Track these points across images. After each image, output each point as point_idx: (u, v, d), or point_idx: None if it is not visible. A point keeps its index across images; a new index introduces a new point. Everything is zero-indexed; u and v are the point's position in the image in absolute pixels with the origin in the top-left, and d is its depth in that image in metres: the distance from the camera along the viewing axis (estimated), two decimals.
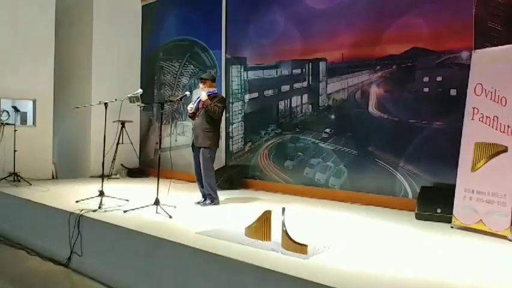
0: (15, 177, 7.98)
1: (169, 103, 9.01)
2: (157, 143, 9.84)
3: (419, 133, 5.91)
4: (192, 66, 9.33)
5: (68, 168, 9.98)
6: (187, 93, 6.09)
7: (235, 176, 7.90)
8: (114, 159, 9.10)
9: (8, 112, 8.46)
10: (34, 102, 9.12)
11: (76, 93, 9.92)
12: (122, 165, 9.81)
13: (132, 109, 9.18)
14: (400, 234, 4.69)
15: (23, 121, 9.10)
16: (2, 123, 8.22)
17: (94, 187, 6.29)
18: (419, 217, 5.31)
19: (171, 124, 9.68)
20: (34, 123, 9.12)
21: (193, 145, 6.15)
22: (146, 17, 10.51)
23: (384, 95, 6.32)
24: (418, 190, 5.73)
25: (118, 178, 9.37)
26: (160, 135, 5.78)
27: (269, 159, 7.70)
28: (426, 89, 5.87)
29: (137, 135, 10.34)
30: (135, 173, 9.78)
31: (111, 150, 8.37)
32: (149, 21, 10.42)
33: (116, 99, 6.17)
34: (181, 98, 6.04)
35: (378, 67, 6.37)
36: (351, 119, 6.65)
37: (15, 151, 7.99)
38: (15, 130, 8.08)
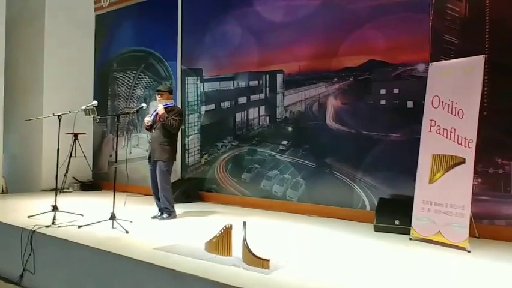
0: None
1: (124, 115, 8.75)
2: (110, 155, 9.67)
3: (376, 145, 5.91)
4: (146, 77, 9.15)
5: (18, 182, 9.61)
6: (144, 105, 5.94)
7: (191, 189, 7.76)
8: (66, 172, 8.86)
9: None
10: None
11: (27, 105, 9.54)
12: (74, 178, 9.57)
13: (84, 121, 8.97)
14: (360, 246, 4.64)
15: None
16: None
17: (46, 201, 6.10)
18: (377, 229, 5.29)
19: (125, 136, 9.44)
20: None
21: (149, 158, 6.01)
22: (100, 26, 10.27)
23: (341, 107, 6.32)
24: (376, 202, 5.73)
25: (71, 192, 9.18)
26: (116, 147, 5.61)
27: (226, 171, 7.60)
28: (383, 101, 5.90)
29: (90, 147, 10.06)
30: (88, 186, 9.53)
31: (64, 163, 8.20)
32: (103, 31, 10.18)
33: (70, 111, 6.01)
34: (137, 110, 5.90)
35: (335, 79, 6.37)
36: (308, 131, 6.62)
37: None
38: None
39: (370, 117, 6.00)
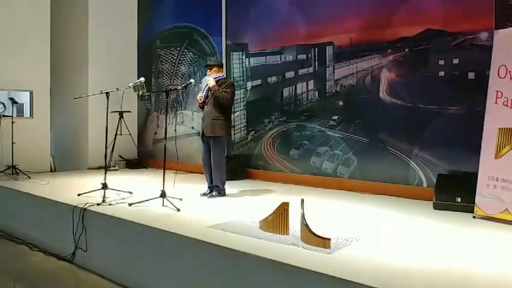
0: (13, 170, 7.78)
1: (172, 91, 8.72)
2: (155, 133, 9.68)
3: (434, 119, 5.66)
4: (191, 53, 9.05)
5: (66, 160, 9.75)
6: (192, 80, 5.80)
7: (238, 166, 7.68)
8: (112, 150, 8.64)
9: (3, 104, 8.19)
10: (31, 93, 8.87)
11: (72, 84, 9.63)
12: (120, 156, 9.62)
13: (129, 100, 8.99)
14: (419, 225, 4.45)
15: (20, 113, 8.89)
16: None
17: (93, 179, 6.12)
18: (437, 207, 5.07)
19: (171, 114, 9.43)
20: (31, 115, 8.89)
21: (202, 135, 5.88)
22: (143, 3, 10.21)
23: (396, 80, 6.07)
24: (433, 178, 5.51)
25: (117, 170, 9.21)
26: (166, 124, 5.47)
27: (273, 148, 7.49)
28: (441, 73, 5.61)
29: (135, 125, 10.11)
30: (134, 164, 9.56)
31: (110, 142, 8.08)
32: (146, 8, 10.12)
33: (118, 89, 5.92)
34: (185, 86, 5.74)
35: (389, 51, 6.12)
36: (360, 105, 6.42)
37: (13, 143, 7.77)
38: (12, 122, 7.87)
39: (427, 90, 5.73)
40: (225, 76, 6.03)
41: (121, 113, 8.80)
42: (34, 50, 8.81)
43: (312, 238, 3.55)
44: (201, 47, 8.82)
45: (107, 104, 5.77)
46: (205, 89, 5.89)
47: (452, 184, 5.10)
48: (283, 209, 3.95)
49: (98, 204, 5.05)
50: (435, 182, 5.35)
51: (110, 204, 5.14)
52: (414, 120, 5.84)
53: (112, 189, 5.69)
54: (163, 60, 9.68)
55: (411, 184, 5.85)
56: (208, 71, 5.94)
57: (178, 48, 9.32)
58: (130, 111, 9.15)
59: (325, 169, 6.79)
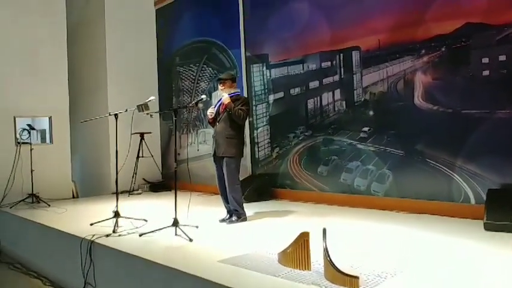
0: (33, 199, 7.63)
1: (184, 109, 8.57)
2: (178, 153, 9.39)
3: (479, 125, 5.02)
4: (210, 69, 8.81)
5: (89, 185, 9.63)
6: (203, 96, 5.46)
7: (263, 186, 7.34)
8: (135, 173, 8.88)
9: (28, 130, 8.06)
10: (50, 119, 8.77)
11: (92, 106, 9.48)
12: (144, 179, 9.43)
13: (151, 120, 8.85)
14: (469, 251, 3.77)
15: (43, 139, 8.86)
16: (19, 143, 7.90)
17: (114, 206, 5.88)
18: (489, 227, 4.34)
19: (192, 133, 9.18)
20: (51, 140, 8.79)
21: (214, 155, 5.56)
22: (160, 21, 10.05)
23: (432, 83, 5.50)
24: (482, 194, 4.88)
25: (140, 193, 9.00)
26: (175, 145, 5.18)
27: (300, 165, 7.10)
28: (486, 72, 4.97)
29: (157, 147, 9.92)
30: (158, 187, 9.28)
31: (130, 164, 8.17)
32: (164, 26, 9.96)
33: (127, 110, 5.69)
34: (196, 103, 5.36)
35: (423, 51, 5.58)
36: (393, 114, 5.94)
37: (32, 171, 7.62)
38: (31, 149, 7.73)
39: (470, 93, 5.12)
40: (239, 92, 5.70)
41: (141, 135, 8.91)
42: (51, 73, 8.73)
43: (338, 276, 3.00)
44: (220, 61, 8.56)
45: (116, 126, 5.58)
46: (217, 105, 5.59)
47: (507, 200, 4.38)
48: (303, 240, 3.37)
49: (107, 236, 4.79)
50: (485, 198, 4.70)
51: (120, 235, 4.86)
52: (456, 127, 5.24)
53: (126, 217, 5.46)
54: (183, 78, 9.49)
55: (456, 201, 5.21)
56: (221, 85, 5.60)
57: (197, 64, 9.12)
58: (150, 132, 9.15)
59: (357, 186, 6.32)
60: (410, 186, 5.72)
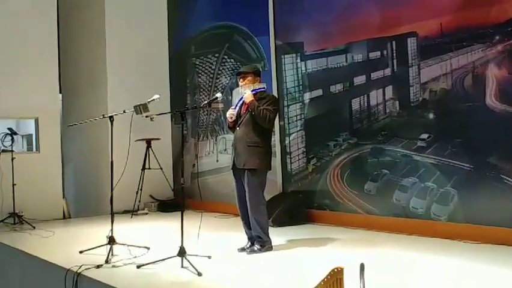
0: (15, 219, 7.80)
1: (196, 110, 8.72)
2: (194, 165, 9.52)
3: None
4: (232, 60, 8.95)
5: (84, 203, 9.82)
6: (218, 95, 5.57)
7: (296, 207, 7.41)
8: (140, 189, 8.92)
9: (11, 135, 8.29)
10: (36, 121, 8.96)
11: (89, 106, 9.66)
12: (151, 196, 9.58)
13: (160, 123, 8.99)
14: None
15: (29, 146, 9.05)
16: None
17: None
18: None
19: (210, 139, 9.35)
20: (38, 148, 8.95)
21: (234, 167, 5.62)
22: (173, 4, 10.28)
23: (509, 79, 5.51)
24: None
25: (146, 214, 9.16)
26: (182, 156, 5.27)
27: (342, 181, 7.17)
28: None
29: (169, 156, 10.04)
30: (168, 206, 9.39)
31: (134, 178, 8.31)
32: (176, 8, 10.19)
33: (124, 111, 5.81)
34: (209, 103, 5.57)
35: (497, 38, 5.57)
36: (459, 118, 5.96)
37: (14, 185, 7.80)
38: (13, 158, 7.89)
39: None
40: (264, 88, 5.75)
41: (148, 141, 8.97)
42: (39, 66, 8.87)
43: None
44: (244, 51, 8.71)
45: (111, 130, 5.82)
46: (238, 105, 5.68)
47: None
48: (335, 279, 3.30)
49: (97, 267, 4.86)
50: None
51: (114, 266, 4.95)
52: None
53: (123, 244, 5.52)
54: (200, 71, 9.68)
55: None
56: (241, 81, 5.68)
57: (217, 55, 9.29)
58: (159, 139, 9.22)
59: (413, 208, 6.33)
60: (481, 209, 5.71)
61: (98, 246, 5.46)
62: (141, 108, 5.50)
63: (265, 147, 5.56)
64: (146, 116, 5.52)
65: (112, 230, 5.48)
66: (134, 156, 7.79)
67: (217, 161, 9.13)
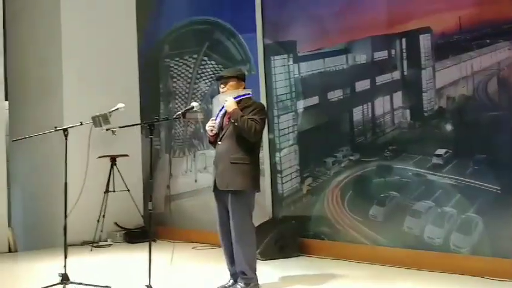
0: None
1: (167, 121, 8.48)
2: (168, 186, 9.54)
3: None
4: (212, 62, 8.92)
5: (35, 233, 9.69)
6: (194, 104, 5.63)
7: (288, 236, 7.36)
8: (103, 215, 8.88)
9: None
10: None
11: (42, 117, 9.55)
12: (116, 224, 9.50)
13: (129, 137, 9.01)
14: None
15: None
16: None
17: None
18: None
19: (187, 156, 9.32)
20: None
21: (215, 188, 5.54)
22: None
23: None
24: None
25: (110, 245, 9.05)
26: (151, 174, 5.07)
27: (343, 205, 7.11)
28: None
29: (138, 175, 9.95)
30: (137, 235, 9.27)
31: (95, 202, 8.41)
32: (148, 1, 10.20)
33: (81, 123, 5.78)
34: (183, 114, 5.47)
35: None
36: (482, 130, 5.89)
37: None
38: None
39: None
40: (250, 94, 5.70)
41: (113, 158, 9.00)
42: None
43: None
44: (227, 52, 8.72)
45: (65, 146, 5.83)
46: (220, 115, 5.61)
47: None
48: None
49: None
50: None
51: None
52: None
53: (78, 284, 5.52)
54: (175, 75, 9.67)
55: None
56: (222, 86, 5.64)
57: (195, 56, 9.28)
58: (126, 155, 9.19)
59: (429, 238, 6.26)
60: (510, 239, 5.61)
61: (49, 287, 5.39)
62: (101, 120, 5.53)
63: (252, 165, 5.49)
64: (107, 129, 5.46)
65: (65, 266, 5.43)
66: (96, 177, 7.93)
67: (196, 181, 9.11)
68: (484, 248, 5.79)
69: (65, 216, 5.70)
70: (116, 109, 5.79)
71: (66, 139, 5.72)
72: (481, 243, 5.83)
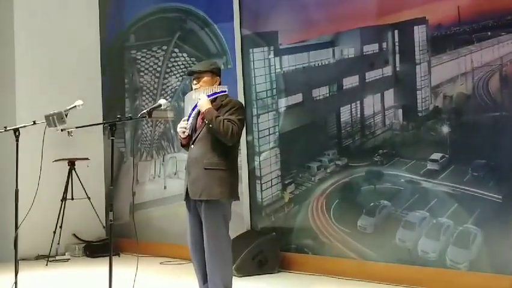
0: None
1: (131, 120, 8.51)
2: (134, 193, 9.51)
3: None
4: (184, 54, 8.98)
5: None
6: (162, 102, 5.60)
7: (268, 249, 7.39)
8: (60, 226, 8.90)
9: None
10: None
11: None
12: (75, 236, 9.52)
13: (90, 138, 9.14)
14: None
15: None
16: None
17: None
18: None
19: (156, 159, 9.42)
20: None
21: (187, 197, 5.53)
22: None
23: None
24: None
25: (68, 260, 9.05)
26: (112, 181, 5.16)
27: (329, 215, 7.15)
28: None
29: (100, 182, 10.02)
30: (98, 248, 9.31)
31: (51, 211, 8.42)
32: None
33: (35, 122, 5.81)
34: (149, 113, 5.48)
35: None
36: (483, 132, 5.97)
37: None
38: None
39: None
40: (225, 91, 5.68)
41: (71, 162, 9.00)
42: None
43: None
44: (201, 43, 8.77)
45: (16, 148, 5.88)
46: (192, 115, 5.60)
47: None
48: None
49: None
50: None
51: None
52: None
53: None
54: (142, 69, 9.74)
55: None
56: (195, 82, 5.61)
57: (165, 47, 9.32)
58: (87, 159, 9.25)
59: (423, 252, 6.33)
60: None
61: None
62: (55, 119, 5.47)
63: (229, 171, 5.47)
64: (62, 130, 5.44)
65: (16, 283, 5.49)
66: (52, 183, 7.96)
67: (165, 188, 9.18)
68: (484, 263, 5.83)
69: (16, 227, 5.76)
70: (74, 107, 5.75)
71: (17, 140, 5.74)
72: (480, 258, 5.86)
